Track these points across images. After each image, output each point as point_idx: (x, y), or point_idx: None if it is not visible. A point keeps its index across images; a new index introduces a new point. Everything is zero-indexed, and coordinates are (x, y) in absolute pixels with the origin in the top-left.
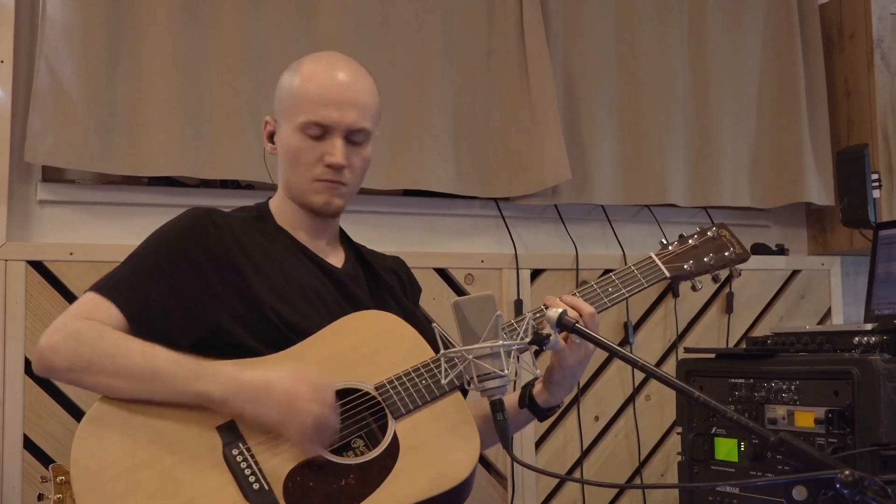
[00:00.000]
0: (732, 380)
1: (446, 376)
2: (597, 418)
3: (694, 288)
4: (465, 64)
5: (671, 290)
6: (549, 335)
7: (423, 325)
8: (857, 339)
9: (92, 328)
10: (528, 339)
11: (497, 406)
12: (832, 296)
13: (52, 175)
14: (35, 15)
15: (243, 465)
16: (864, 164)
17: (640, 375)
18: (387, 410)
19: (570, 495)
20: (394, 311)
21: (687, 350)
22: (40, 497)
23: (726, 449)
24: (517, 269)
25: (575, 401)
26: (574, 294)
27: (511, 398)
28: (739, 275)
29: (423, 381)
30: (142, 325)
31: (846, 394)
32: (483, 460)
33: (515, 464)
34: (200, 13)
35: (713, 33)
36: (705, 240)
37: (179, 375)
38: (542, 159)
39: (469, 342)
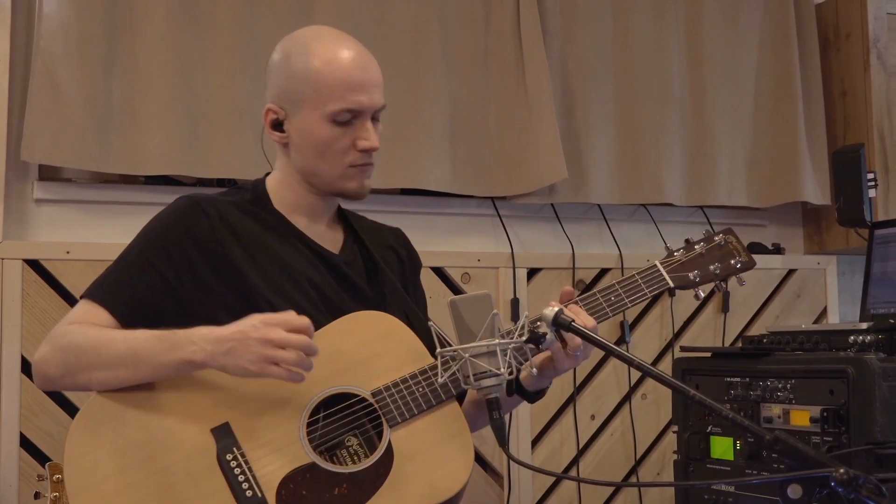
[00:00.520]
0: (728, 378)
1: (444, 381)
2: (593, 417)
3: (697, 297)
4: (461, 63)
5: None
6: (545, 333)
7: (419, 317)
8: (852, 338)
9: (73, 329)
10: (524, 338)
11: (493, 404)
12: (828, 295)
13: (48, 174)
14: (32, 13)
15: (237, 470)
16: (859, 164)
17: (636, 374)
18: (383, 419)
19: (566, 494)
20: (391, 301)
21: (683, 349)
22: (37, 495)
23: (722, 447)
24: (514, 268)
25: (571, 399)
26: (576, 303)
27: (475, 394)
28: (743, 284)
29: (420, 389)
30: (134, 325)
31: (841, 393)
32: (479, 459)
33: (512, 462)
34: (197, 13)
35: (710, 33)
36: (712, 247)
37: (159, 349)
38: (538, 158)
39: (466, 341)
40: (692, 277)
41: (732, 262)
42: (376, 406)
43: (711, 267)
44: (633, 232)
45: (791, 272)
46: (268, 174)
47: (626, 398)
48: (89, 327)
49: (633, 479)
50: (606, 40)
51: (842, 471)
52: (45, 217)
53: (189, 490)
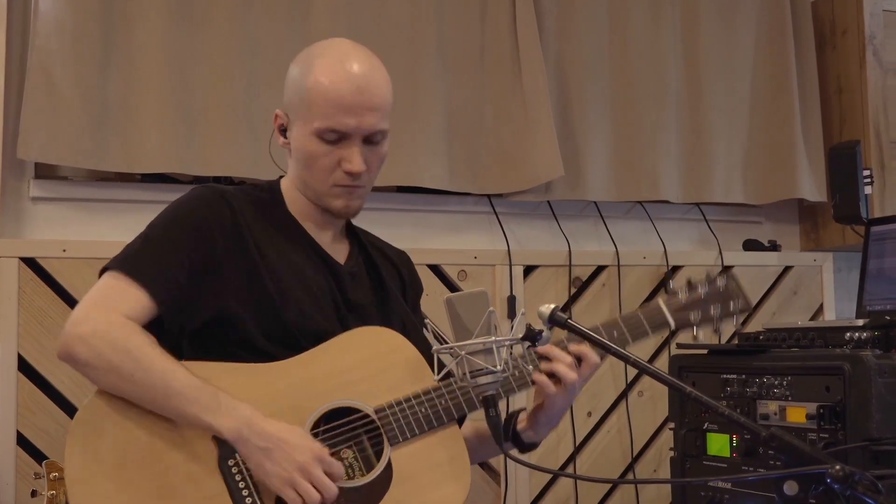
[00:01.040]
0: (724, 375)
1: (445, 403)
2: (589, 414)
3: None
4: (458, 61)
5: (664, 285)
6: (541, 331)
7: (418, 330)
8: (848, 334)
9: (120, 329)
10: (520, 336)
11: (489, 402)
12: (824, 292)
13: (44, 172)
14: (28, 10)
15: (238, 476)
16: (856, 161)
17: (632, 371)
18: (384, 436)
19: (563, 491)
20: (394, 315)
21: (679, 346)
22: (34, 493)
23: (718, 444)
24: (510, 266)
25: None
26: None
27: (481, 426)
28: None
29: (423, 410)
30: (169, 309)
31: (838, 389)
32: None
33: (508, 459)
34: (193, 10)
35: (706, 30)
36: (713, 290)
37: (201, 402)
38: (534, 156)
39: (462, 338)
40: (692, 319)
41: (731, 307)
42: (378, 423)
43: (712, 311)
44: (630, 229)
45: (787, 269)
46: (281, 177)
47: (623, 395)
48: (136, 333)
49: (630, 476)
50: (602, 38)
51: (838, 467)
52: (42, 215)
53: (189, 491)
